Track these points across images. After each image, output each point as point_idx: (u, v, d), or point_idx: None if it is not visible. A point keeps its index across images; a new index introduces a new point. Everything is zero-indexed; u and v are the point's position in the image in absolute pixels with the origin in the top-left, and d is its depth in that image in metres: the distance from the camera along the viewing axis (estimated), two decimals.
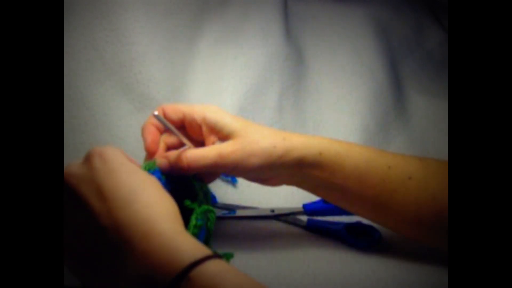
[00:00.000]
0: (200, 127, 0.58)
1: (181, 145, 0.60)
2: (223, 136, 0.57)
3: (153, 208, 0.46)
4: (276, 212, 0.70)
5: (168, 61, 0.75)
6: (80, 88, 0.71)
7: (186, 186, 0.58)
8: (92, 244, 0.46)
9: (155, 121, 0.58)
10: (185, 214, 0.50)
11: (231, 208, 0.71)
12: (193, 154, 0.55)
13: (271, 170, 0.57)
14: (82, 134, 0.70)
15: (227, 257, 0.58)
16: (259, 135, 0.57)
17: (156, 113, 0.52)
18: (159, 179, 0.54)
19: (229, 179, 0.74)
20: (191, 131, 0.60)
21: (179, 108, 0.59)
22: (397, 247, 0.62)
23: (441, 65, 0.96)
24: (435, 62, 0.97)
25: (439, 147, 0.84)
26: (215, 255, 0.43)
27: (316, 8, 0.95)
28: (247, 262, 0.61)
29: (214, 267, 0.42)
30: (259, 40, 0.82)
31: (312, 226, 0.68)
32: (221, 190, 0.73)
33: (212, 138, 0.57)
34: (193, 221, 0.53)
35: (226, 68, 0.79)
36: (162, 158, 0.57)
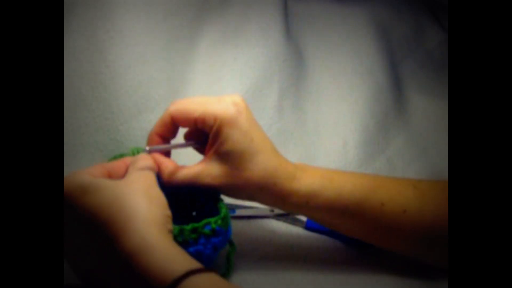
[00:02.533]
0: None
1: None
2: (221, 152, 0.53)
3: (139, 218, 0.46)
4: (276, 212, 0.70)
5: (168, 61, 0.75)
6: (81, 90, 0.71)
7: None
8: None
9: (159, 130, 0.57)
10: (179, 205, 0.50)
11: (230, 207, 0.71)
12: (173, 172, 0.54)
13: (260, 197, 0.57)
14: (82, 136, 0.70)
15: (231, 249, 0.58)
16: (254, 162, 0.53)
17: (147, 148, 0.53)
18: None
19: None
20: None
21: (189, 115, 0.54)
22: None
23: (441, 65, 0.96)
24: (435, 62, 0.97)
25: (439, 147, 0.84)
26: (203, 269, 0.44)
27: (316, 8, 0.95)
28: (246, 261, 0.61)
29: (205, 279, 0.43)
30: (259, 40, 0.82)
31: (312, 226, 0.68)
32: None
33: (213, 147, 0.54)
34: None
35: (226, 68, 0.79)
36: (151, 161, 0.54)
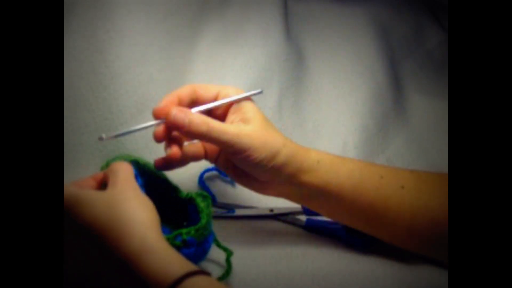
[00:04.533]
0: (228, 107, 0.60)
1: None
2: (246, 118, 0.58)
3: (137, 222, 0.47)
4: (275, 212, 0.70)
5: (168, 61, 0.75)
6: (81, 90, 0.71)
7: (162, 180, 0.59)
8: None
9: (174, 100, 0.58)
10: (161, 207, 0.50)
11: (230, 207, 0.71)
12: (216, 124, 0.55)
13: (272, 171, 0.57)
14: (82, 136, 0.70)
15: (227, 254, 0.58)
16: (274, 131, 0.59)
17: (103, 136, 0.54)
18: (135, 176, 0.53)
19: (229, 179, 0.74)
20: (217, 110, 0.60)
21: (211, 88, 0.60)
22: (395, 247, 0.62)
23: (441, 65, 0.96)
24: (435, 62, 0.97)
25: (439, 147, 0.84)
26: (200, 271, 0.45)
27: (316, 8, 0.95)
28: (246, 261, 0.61)
29: (200, 281, 0.44)
30: (259, 40, 0.82)
31: (311, 226, 0.68)
32: (220, 190, 0.73)
33: (234, 117, 0.59)
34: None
35: (226, 68, 0.79)
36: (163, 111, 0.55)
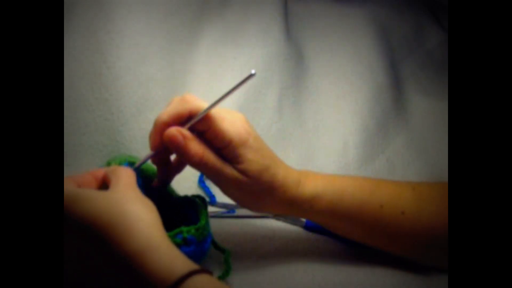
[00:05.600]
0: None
1: None
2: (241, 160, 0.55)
3: (142, 221, 0.47)
4: None
5: (168, 62, 0.75)
6: (81, 90, 0.71)
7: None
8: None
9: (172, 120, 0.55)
10: (158, 209, 0.51)
11: (230, 207, 0.71)
12: (211, 157, 0.53)
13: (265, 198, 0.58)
14: (82, 136, 0.70)
15: (226, 255, 0.58)
16: (272, 162, 0.56)
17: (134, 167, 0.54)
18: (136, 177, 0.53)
19: None
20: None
21: (208, 121, 0.54)
22: None
23: (441, 65, 0.96)
24: (435, 62, 0.97)
25: (439, 147, 0.84)
26: (204, 270, 0.45)
27: (316, 8, 0.95)
28: (246, 261, 0.61)
29: (204, 280, 0.44)
30: (259, 40, 0.82)
31: (311, 226, 0.68)
32: None
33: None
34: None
35: (226, 68, 0.79)
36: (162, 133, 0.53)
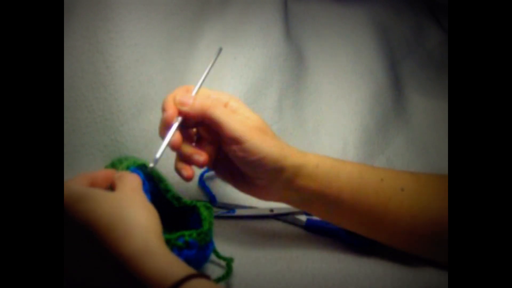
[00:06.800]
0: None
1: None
2: (245, 117, 0.59)
3: (140, 225, 0.47)
4: (275, 212, 0.70)
5: (168, 61, 0.75)
6: (82, 90, 0.71)
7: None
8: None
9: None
10: (163, 212, 0.51)
11: (230, 207, 0.71)
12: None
13: (270, 173, 0.58)
14: (82, 136, 0.70)
15: (228, 262, 0.58)
16: (272, 134, 0.60)
17: (151, 165, 0.56)
18: (143, 182, 0.54)
19: None
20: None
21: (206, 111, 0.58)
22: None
23: (441, 65, 0.96)
24: (435, 62, 0.97)
25: (439, 147, 0.84)
26: (201, 274, 0.45)
27: (316, 8, 0.95)
28: (246, 261, 0.61)
29: (201, 284, 0.44)
30: (259, 40, 0.82)
31: (311, 226, 0.68)
32: (221, 190, 0.73)
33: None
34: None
35: (226, 68, 0.79)
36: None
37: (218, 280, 0.57)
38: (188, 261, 0.52)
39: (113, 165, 0.60)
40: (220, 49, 0.60)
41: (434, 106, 0.90)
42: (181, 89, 0.61)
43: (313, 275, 0.60)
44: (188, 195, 0.70)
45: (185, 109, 0.58)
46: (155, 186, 0.59)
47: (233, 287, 0.58)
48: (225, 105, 0.60)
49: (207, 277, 0.45)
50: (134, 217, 0.47)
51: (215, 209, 0.70)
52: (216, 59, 0.60)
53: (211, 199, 0.72)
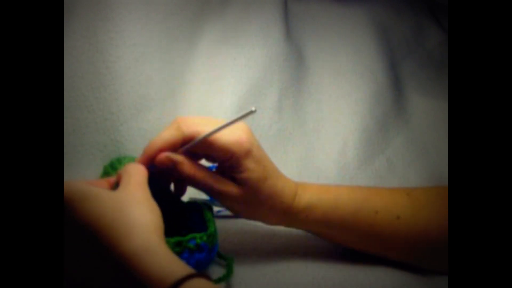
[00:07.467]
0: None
1: None
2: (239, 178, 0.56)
3: (141, 225, 0.47)
4: None
5: (168, 61, 0.75)
6: (81, 90, 0.71)
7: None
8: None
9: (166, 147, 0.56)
10: (166, 211, 0.51)
11: None
12: (201, 176, 0.56)
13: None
14: (82, 136, 0.70)
15: (229, 261, 0.58)
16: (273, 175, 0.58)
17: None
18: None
19: None
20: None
21: (205, 142, 0.54)
22: None
23: (441, 65, 0.96)
24: (435, 62, 0.97)
25: (439, 147, 0.84)
26: (201, 274, 0.45)
27: (316, 8, 0.95)
28: (246, 261, 0.61)
29: (201, 284, 0.44)
30: (259, 40, 0.82)
31: None
32: None
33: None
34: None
35: (226, 68, 0.79)
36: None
37: (219, 280, 0.57)
38: (199, 264, 0.52)
39: (112, 164, 0.59)
40: (252, 111, 0.52)
41: (434, 106, 0.90)
42: (170, 131, 0.55)
43: (313, 275, 0.60)
44: (187, 193, 0.69)
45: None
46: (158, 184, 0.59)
47: (233, 287, 0.58)
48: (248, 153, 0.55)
49: (207, 277, 0.45)
50: (136, 216, 0.47)
51: (215, 209, 0.70)
52: (241, 117, 0.53)
53: (211, 199, 0.72)
